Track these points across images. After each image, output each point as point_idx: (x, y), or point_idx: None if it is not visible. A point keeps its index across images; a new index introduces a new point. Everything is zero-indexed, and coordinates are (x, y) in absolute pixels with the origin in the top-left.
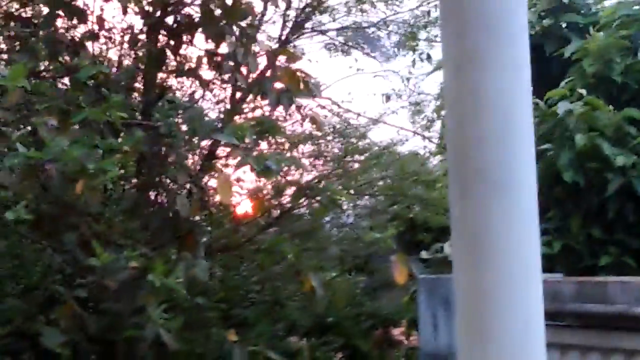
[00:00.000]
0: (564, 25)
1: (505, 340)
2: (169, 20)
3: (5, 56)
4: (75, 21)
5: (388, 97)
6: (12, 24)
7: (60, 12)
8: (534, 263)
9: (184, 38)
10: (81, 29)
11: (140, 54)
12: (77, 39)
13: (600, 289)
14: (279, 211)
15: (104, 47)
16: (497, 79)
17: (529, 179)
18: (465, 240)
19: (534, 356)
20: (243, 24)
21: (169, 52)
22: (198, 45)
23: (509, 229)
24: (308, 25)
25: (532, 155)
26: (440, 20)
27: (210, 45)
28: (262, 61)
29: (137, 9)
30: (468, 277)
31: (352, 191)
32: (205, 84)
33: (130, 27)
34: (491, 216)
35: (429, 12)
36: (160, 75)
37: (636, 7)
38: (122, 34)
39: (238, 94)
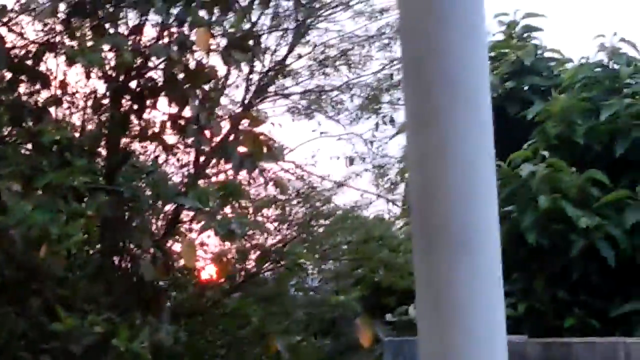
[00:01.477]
0: (526, 87)
1: None
2: (133, 84)
3: None
4: (38, 86)
5: (352, 161)
6: None
7: (23, 77)
8: (499, 323)
9: (148, 102)
10: (44, 94)
11: (104, 118)
12: (40, 104)
13: (565, 350)
14: (243, 275)
15: (67, 111)
16: (460, 138)
17: (493, 238)
18: (429, 300)
19: None
20: (206, 87)
21: (132, 117)
22: (161, 110)
23: (474, 288)
24: (271, 89)
25: (496, 214)
26: (402, 81)
27: (174, 109)
28: (226, 125)
29: (100, 74)
30: (432, 338)
31: (316, 255)
32: (169, 148)
33: (94, 91)
34: (455, 276)
35: (392, 75)
36: (124, 139)
37: (597, 70)
38: (85, 98)
39: (202, 158)
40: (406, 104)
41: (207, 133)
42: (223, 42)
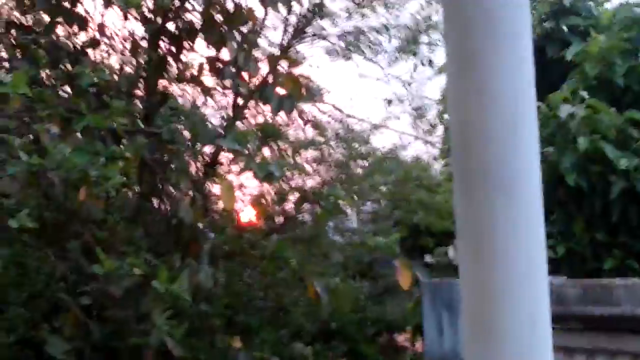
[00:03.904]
0: (565, 28)
1: (512, 341)
2: (170, 26)
3: (6, 64)
4: (76, 28)
5: (390, 102)
6: (13, 31)
7: (61, 20)
8: (539, 263)
9: (185, 44)
10: (82, 36)
11: (142, 60)
12: (78, 46)
13: (605, 292)
14: (282, 217)
15: (105, 54)
16: (501, 78)
17: (534, 179)
18: (471, 241)
19: (541, 357)
20: (244, 29)
21: (170, 59)
22: (199, 52)
23: (514, 228)
24: (309, 30)
25: (537, 155)
26: (442, 21)
27: (212, 51)
28: (264, 67)
29: (138, 16)
30: (474, 277)
31: (355, 196)
32: (207, 91)
33: (132, 33)
34: (496, 216)
35: (430, 17)
36: (162, 81)
37: (637, 9)
38: (123, 40)
39: (240, 100)
40: (446, 45)
41: (245, 75)
42: None
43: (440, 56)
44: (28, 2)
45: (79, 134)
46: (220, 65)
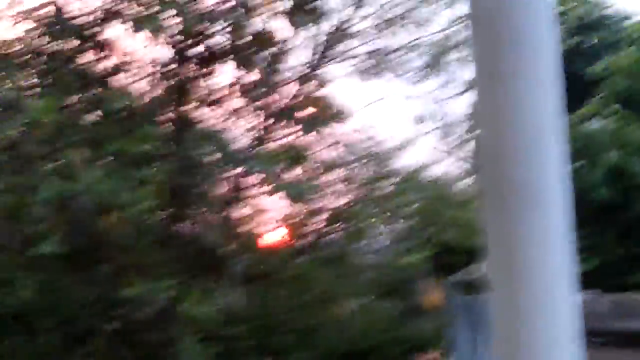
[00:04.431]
0: (593, 42)
1: (543, 356)
2: (198, 50)
3: (36, 90)
4: (104, 54)
5: (419, 120)
6: (42, 58)
7: (89, 45)
8: (570, 277)
9: (213, 67)
10: (111, 60)
11: (170, 84)
12: (107, 71)
13: (637, 306)
14: (312, 237)
15: (134, 78)
16: (529, 94)
17: (563, 193)
18: (501, 257)
19: None
20: (272, 51)
21: (199, 82)
22: (227, 74)
23: (544, 243)
24: (337, 49)
25: (566, 169)
26: (471, 38)
27: (240, 73)
28: (292, 88)
29: (167, 39)
30: (504, 293)
31: (384, 215)
32: (236, 112)
33: (159, 58)
34: (526, 231)
35: (457, 33)
36: (190, 105)
37: None
38: (152, 65)
39: (268, 122)
40: (475, 62)
41: (274, 96)
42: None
43: (468, 73)
44: (57, 29)
45: (108, 159)
46: (249, 87)
